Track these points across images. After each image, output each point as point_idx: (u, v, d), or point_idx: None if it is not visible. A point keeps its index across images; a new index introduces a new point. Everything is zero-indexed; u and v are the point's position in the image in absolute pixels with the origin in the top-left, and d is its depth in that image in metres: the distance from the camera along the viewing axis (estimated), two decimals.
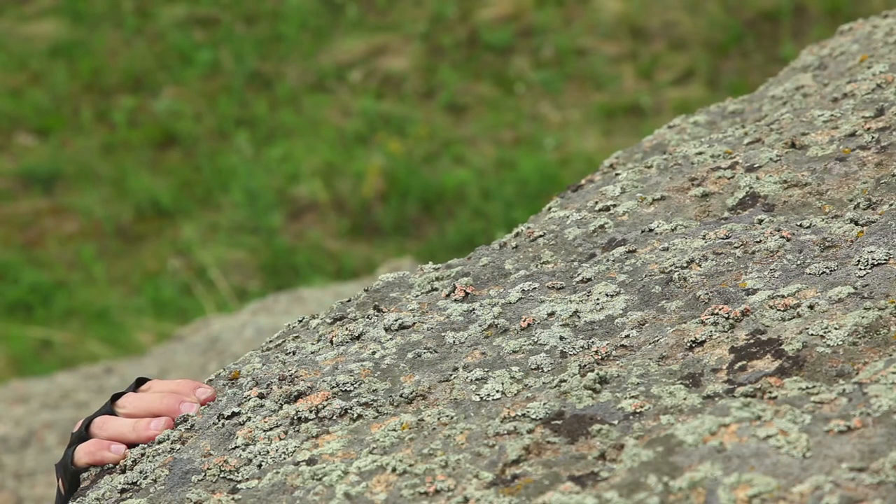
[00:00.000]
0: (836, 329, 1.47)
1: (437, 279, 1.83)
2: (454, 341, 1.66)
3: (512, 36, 9.02)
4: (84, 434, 1.68)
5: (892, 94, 1.92)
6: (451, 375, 1.59)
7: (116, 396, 1.71)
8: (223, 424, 1.60)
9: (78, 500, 1.61)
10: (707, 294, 1.61)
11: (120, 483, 1.57)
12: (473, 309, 1.72)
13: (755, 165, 1.84)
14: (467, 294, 1.77)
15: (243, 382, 1.69)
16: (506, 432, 1.44)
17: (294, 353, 1.74)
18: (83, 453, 1.66)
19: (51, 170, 8.34)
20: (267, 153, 8.31)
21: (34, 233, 8.00)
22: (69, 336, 7.18)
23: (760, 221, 1.73)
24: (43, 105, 8.87)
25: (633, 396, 1.46)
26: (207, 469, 1.52)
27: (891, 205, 1.68)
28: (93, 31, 9.46)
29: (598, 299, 1.67)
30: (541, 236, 1.87)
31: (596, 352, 1.56)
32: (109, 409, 1.70)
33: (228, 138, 8.48)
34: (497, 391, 1.53)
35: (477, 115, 8.54)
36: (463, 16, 9.24)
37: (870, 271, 1.56)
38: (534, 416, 1.46)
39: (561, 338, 1.61)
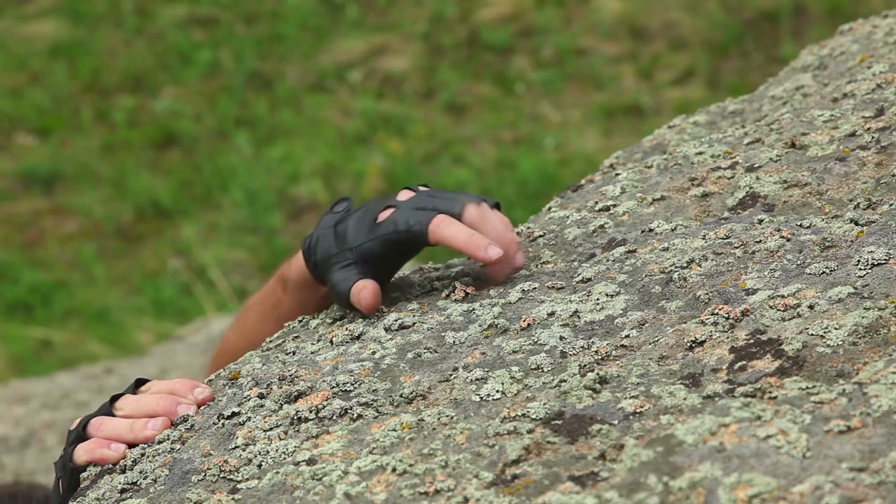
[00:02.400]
0: (836, 329, 1.47)
1: (437, 279, 1.83)
2: (454, 341, 1.66)
3: (512, 36, 9.02)
4: (82, 434, 1.68)
5: (892, 94, 1.92)
6: (451, 375, 1.59)
7: (115, 398, 1.71)
8: (223, 424, 1.60)
9: (78, 500, 1.61)
10: (707, 294, 1.61)
11: (120, 483, 1.57)
12: (473, 309, 1.72)
13: (755, 165, 1.84)
14: (467, 294, 1.77)
15: (243, 382, 1.69)
16: (506, 432, 1.44)
17: (294, 353, 1.74)
18: (83, 451, 1.66)
19: (51, 170, 8.34)
20: (267, 153, 8.31)
21: (34, 233, 8.00)
22: (69, 336, 7.18)
23: (760, 221, 1.73)
24: (43, 105, 8.87)
25: (633, 396, 1.46)
26: (207, 469, 1.52)
27: (891, 205, 1.68)
28: (93, 31, 9.46)
29: (598, 299, 1.67)
30: (541, 236, 1.87)
31: (596, 352, 1.56)
32: (108, 411, 1.70)
33: (228, 138, 8.48)
34: (497, 391, 1.53)
35: (477, 115, 8.54)
36: (463, 16, 9.24)
37: (870, 271, 1.56)
38: (534, 416, 1.46)
39: (561, 338, 1.61)
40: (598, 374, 1.50)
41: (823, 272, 1.59)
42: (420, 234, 1.72)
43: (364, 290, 1.73)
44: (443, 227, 1.71)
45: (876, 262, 1.57)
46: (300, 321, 1.87)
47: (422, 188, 1.80)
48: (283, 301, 1.91)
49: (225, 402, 1.66)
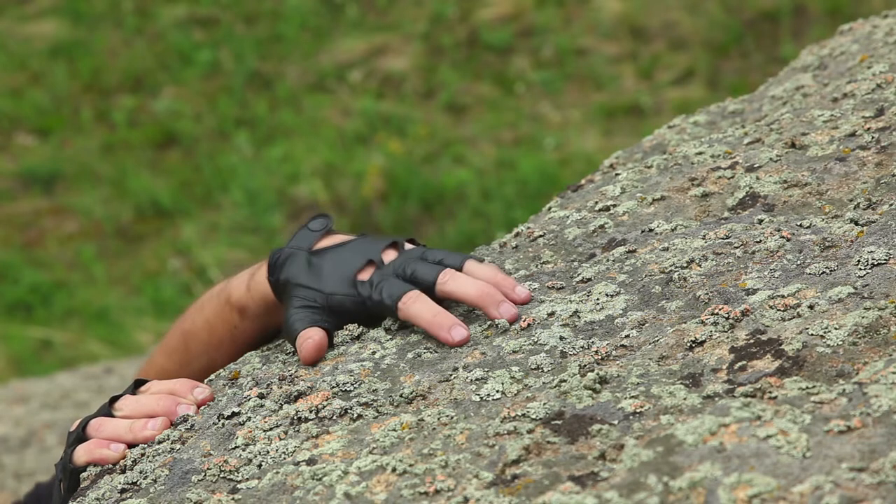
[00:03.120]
0: (836, 329, 1.47)
1: None
2: None
3: (512, 36, 9.02)
4: (82, 435, 1.68)
5: (892, 94, 1.92)
6: (451, 375, 1.59)
7: (114, 399, 1.71)
8: (223, 424, 1.60)
9: (78, 500, 1.61)
10: (707, 294, 1.61)
11: (120, 483, 1.57)
12: (473, 309, 1.72)
13: (755, 165, 1.85)
14: None
15: (243, 382, 1.69)
16: (506, 432, 1.44)
17: (294, 353, 1.74)
18: (83, 452, 1.66)
19: (51, 170, 8.34)
20: (267, 153, 8.31)
21: (34, 233, 8.00)
22: (69, 336, 7.18)
23: (760, 221, 1.73)
24: (43, 105, 8.87)
25: (633, 396, 1.46)
26: (207, 469, 1.52)
27: (891, 205, 1.68)
28: (93, 31, 9.46)
29: (598, 299, 1.67)
30: (541, 236, 1.87)
31: (596, 352, 1.56)
32: (107, 412, 1.70)
33: (228, 138, 8.48)
34: (497, 391, 1.53)
35: (477, 115, 8.54)
36: (463, 16, 9.24)
37: (870, 271, 1.56)
38: (534, 416, 1.46)
39: (561, 338, 1.61)
40: (598, 374, 1.50)
41: (823, 272, 1.59)
42: (390, 309, 1.69)
43: (310, 340, 1.69)
44: (409, 306, 1.67)
45: (876, 262, 1.57)
46: None
47: (407, 246, 1.76)
48: (242, 328, 1.86)
49: (225, 402, 1.66)
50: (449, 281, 1.69)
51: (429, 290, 1.70)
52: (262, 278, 1.81)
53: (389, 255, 1.75)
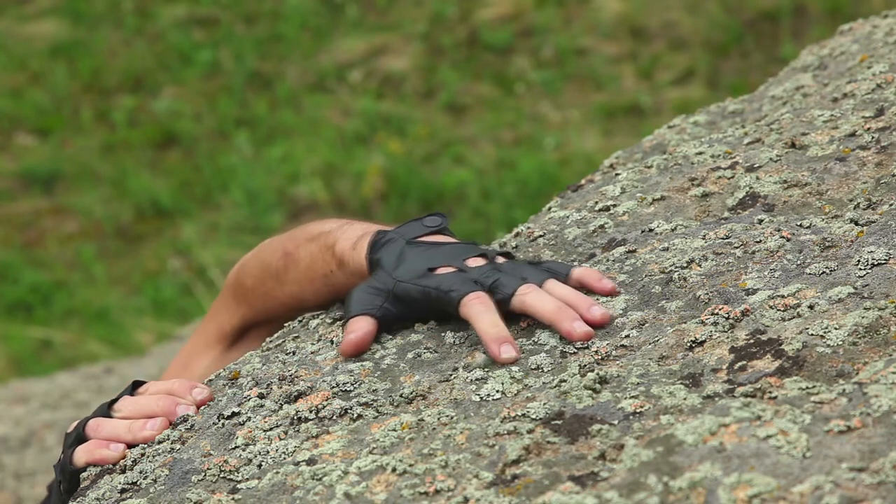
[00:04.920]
0: (836, 329, 1.47)
1: None
2: (454, 341, 1.66)
3: (512, 36, 9.02)
4: (81, 435, 1.68)
5: (892, 94, 1.92)
6: (451, 375, 1.59)
7: (112, 402, 1.71)
8: (223, 424, 1.60)
9: (78, 500, 1.61)
10: (707, 294, 1.61)
11: (120, 483, 1.57)
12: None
13: (755, 165, 1.85)
14: None
15: (243, 382, 1.69)
16: (506, 432, 1.44)
17: (294, 353, 1.74)
18: (82, 453, 1.66)
19: (51, 170, 8.34)
20: (267, 153, 8.31)
21: (34, 233, 8.00)
22: (69, 336, 7.18)
23: (760, 221, 1.73)
24: (43, 105, 8.87)
25: (633, 396, 1.46)
26: (207, 469, 1.52)
27: (891, 205, 1.68)
28: (93, 31, 9.46)
29: (598, 299, 1.67)
30: (541, 236, 1.87)
31: (596, 352, 1.56)
32: (105, 413, 1.70)
33: (228, 138, 8.48)
34: (497, 391, 1.53)
35: (477, 115, 8.54)
36: (463, 16, 9.24)
37: (870, 271, 1.56)
38: (534, 416, 1.46)
39: (561, 338, 1.61)
40: (598, 374, 1.50)
41: (823, 272, 1.59)
42: (451, 302, 1.65)
43: (352, 335, 1.68)
44: (470, 307, 1.64)
45: (876, 262, 1.57)
46: (300, 321, 1.87)
47: (499, 259, 1.72)
48: (337, 276, 1.83)
49: (225, 402, 1.66)
50: (530, 294, 1.64)
51: (504, 301, 1.65)
52: (363, 249, 1.79)
53: (475, 262, 1.70)
